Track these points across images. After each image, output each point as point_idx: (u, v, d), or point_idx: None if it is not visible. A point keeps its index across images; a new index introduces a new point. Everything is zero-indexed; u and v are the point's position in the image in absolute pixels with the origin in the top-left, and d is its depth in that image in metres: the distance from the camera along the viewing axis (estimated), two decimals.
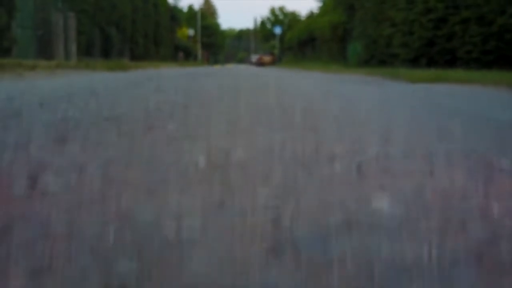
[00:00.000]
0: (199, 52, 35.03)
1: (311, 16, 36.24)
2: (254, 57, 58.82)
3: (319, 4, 35.42)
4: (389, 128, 1.45)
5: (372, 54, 11.53)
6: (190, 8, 44.96)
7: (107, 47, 16.50)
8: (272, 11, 38.00)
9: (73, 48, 12.75)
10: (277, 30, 31.51)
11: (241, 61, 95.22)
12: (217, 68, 27.01)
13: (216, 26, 53.31)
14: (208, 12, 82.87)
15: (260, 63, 37.54)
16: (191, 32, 33.74)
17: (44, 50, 11.15)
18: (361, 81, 5.20)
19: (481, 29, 6.64)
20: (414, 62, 9.09)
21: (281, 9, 37.67)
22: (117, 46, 17.49)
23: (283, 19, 37.14)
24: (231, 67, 33.80)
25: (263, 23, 41.56)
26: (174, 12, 29.11)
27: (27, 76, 3.87)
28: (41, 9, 10.89)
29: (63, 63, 6.88)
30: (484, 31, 6.57)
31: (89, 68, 7.14)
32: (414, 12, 8.81)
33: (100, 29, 15.42)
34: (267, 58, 38.48)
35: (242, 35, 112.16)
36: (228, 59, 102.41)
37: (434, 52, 8.33)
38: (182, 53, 31.35)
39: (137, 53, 20.36)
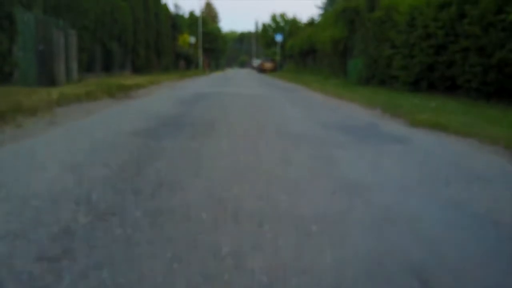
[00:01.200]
0: (200, 60, 35.13)
1: (311, 23, 36.33)
2: (256, 62, 59.42)
3: (320, 12, 35.61)
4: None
5: (373, 73, 11.56)
6: (192, 14, 45.05)
7: (108, 61, 16.58)
8: (274, 18, 38.10)
9: (74, 65, 12.84)
10: (278, 38, 31.85)
11: (243, 64, 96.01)
12: (217, 75, 27.09)
13: (218, 31, 53.37)
14: (210, 15, 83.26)
15: (261, 70, 37.92)
16: (192, 39, 33.86)
17: (45, 70, 11.22)
18: (357, 119, 5.25)
19: (481, 59, 6.66)
20: (414, 84, 9.13)
21: (282, 15, 37.80)
22: (118, 59, 17.56)
23: (284, 25, 37.28)
24: (232, 74, 33.94)
25: (264, 29, 41.67)
26: (176, 20, 29.20)
27: (25, 127, 3.93)
28: (42, 30, 10.96)
29: (64, 93, 6.92)
30: (484, 62, 6.60)
31: (91, 98, 7.20)
32: (414, 36, 8.84)
33: (101, 44, 15.50)
34: (268, 65, 39.07)
35: (243, 37, 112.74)
36: (229, 62, 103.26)
37: (434, 77, 8.36)
38: (183, 61, 31.46)
39: (138, 65, 20.45)
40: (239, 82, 14.86)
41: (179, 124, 4.24)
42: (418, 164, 2.74)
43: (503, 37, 6.08)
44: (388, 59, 10.29)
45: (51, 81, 11.61)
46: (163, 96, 8.65)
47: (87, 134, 3.64)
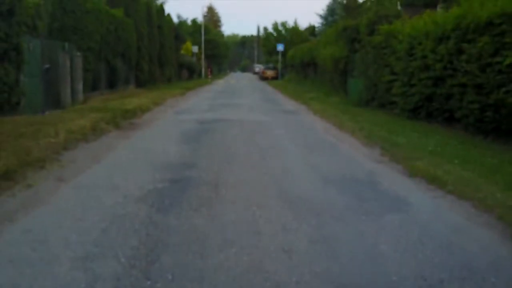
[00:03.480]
0: (203, 70, 35.39)
1: (312, 31, 36.57)
2: (257, 68, 59.99)
3: (320, 21, 35.89)
4: None
5: (373, 96, 11.69)
6: (194, 21, 45.33)
7: (113, 77, 16.78)
8: (275, 27, 38.38)
9: (80, 87, 13.04)
10: (280, 48, 32.23)
11: (244, 69, 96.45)
12: (219, 86, 27.19)
13: (220, 37, 53.68)
14: (212, 20, 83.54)
15: (264, 77, 38.31)
16: (195, 49, 34.12)
17: (51, 93, 11.42)
18: (357, 167, 5.38)
19: (478, 97, 6.78)
20: (414, 111, 9.25)
21: (284, 24, 38.07)
22: (122, 75, 17.77)
23: (285, 34, 37.57)
24: (234, 82, 34.07)
25: (266, 37, 41.97)
26: (178, 31, 29.42)
27: (35, 187, 4.09)
28: (48, 54, 11.15)
29: (70, 129, 7.10)
30: (481, 99, 6.72)
31: (96, 132, 7.37)
32: (413, 65, 8.96)
33: (105, 62, 15.70)
34: (270, 73, 39.74)
35: (245, 41, 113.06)
36: (232, 66, 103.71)
37: (433, 108, 8.48)
38: (186, 71, 31.67)
39: (142, 79, 20.65)
40: (241, 101, 14.99)
41: (183, 180, 4.39)
42: (413, 247, 2.87)
43: (500, 79, 6.20)
44: (388, 84, 10.42)
45: (57, 104, 11.83)
46: (167, 127, 8.78)
47: (94, 198, 3.79)
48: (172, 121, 9.71)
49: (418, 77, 8.74)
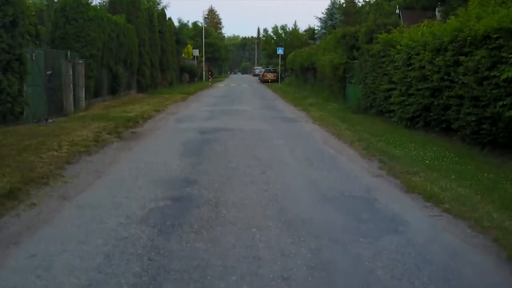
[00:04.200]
0: (204, 73, 35.55)
1: (312, 35, 36.69)
2: (257, 70, 60.36)
3: (319, 24, 36.02)
4: None
5: (371, 103, 11.76)
6: (195, 25, 45.48)
7: (114, 83, 16.87)
8: (275, 30, 38.58)
9: (82, 94, 13.15)
10: (280, 51, 32.48)
11: (245, 70, 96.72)
12: (220, 89, 27.24)
13: (221, 40, 53.84)
14: (213, 22, 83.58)
15: (264, 80, 38.58)
16: (196, 52, 34.28)
17: (54, 101, 11.54)
18: (355, 182, 5.45)
19: (475, 109, 6.85)
20: (412, 121, 9.32)
21: (284, 27, 38.27)
22: (124, 81, 17.85)
23: (285, 37, 37.78)
24: (235, 85, 34.15)
25: (267, 41, 42.18)
26: (179, 35, 29.53)
27: (39, 206, 4.16)
28: (51, 63, 11.26)
29: (74, 141, 7.20)
30: (478, 112, 6.79)
31: (99, 143, 7.46)
32: (411, 75, 9.03)
33: (107, 69, 15.80)
34: (270, 75, 40.27)
35: (246, 42, 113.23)
36: (232, 68, 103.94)
37: (431, 118, 8.55)
38: (187, 75, 31.78)
39: (144, 84, 20.74)
40: (242, 108, 15.07)
41: (184, 199, 4.47)
42: (410, 273, 2.94)
43: (497, 93, 6.26)
44: (386, 93, 10.48)
45: (60, 111, 11.93)
46: (168, 137, 8.84)
47: (98, 219, 3.87)
48: (173, 131, 9.79)
49: (416, 87, 8.81)
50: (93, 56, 13.79)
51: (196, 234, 3.49)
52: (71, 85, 12.38)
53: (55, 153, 6.31)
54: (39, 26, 13.23)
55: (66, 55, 12.12)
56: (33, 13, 11.93)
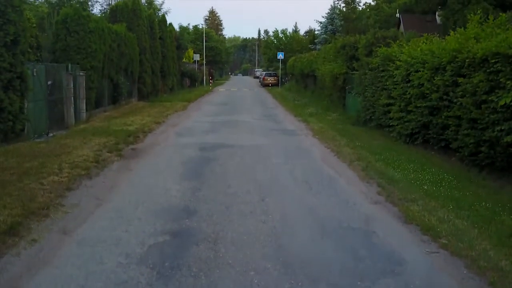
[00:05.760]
0: (205, 78, 35.63)
1: (312, 40, 36.70)
2: (258, 72, 60.55)
3: (319, 28, 36.04)
4: None
5: (371, 116, 11.78)
6: (196, 28, 45.54)
7: (116, 93, 16.93)
8: (276, 34, 38.68)
9: (83, 106, 13.21)
10: (280, 56, 32.63)
11: (245, 72, 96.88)
12: (221, 94, 27.29)
13: (221, 43, 53.88)
14: (214, 24, 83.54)
15: (264, 84, 38.73)
16: (196, 57, 34.34)
17: (55, 114, 11.61)
18: (354, 210, 5.48)
19: (474, 131, 6.88)
20: (411, 137, 9.35)
21: (284, 31, 38.39)
22: (125, 90, 17.89)
23: (285, 40, 37.90)
24: (235, 90, 34.21)
25: (267, 45, 42.30)
26: (181, 41, 29.56)
27: (39, 242, 4.20)
28: (52, 79, 11.32)
29: (74, 162, 7.27)
30: (476, 134, 6.81)
31: (99, 164, 7.51)
32: (410, 92, 9.05)
33: (108, 79, 15.86)
34: (271, 79, 40.57)
35: (246, 43, 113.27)
36: (233, 69, 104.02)
37: (429, 135, 8.57)
38: (188, 79, 31.84)
39: (145, 92, 20.78)
40: (242, 118, 15.11)
41: (183, 234, 4.52)
42: None
43: (495, 118, 6.29)
44: (386, 107, 10.51)
45: (61, 124, 12.00)
46: (168, 155, 8.87)
47: (97, 258, 3.91)
48: (174, 146, 9.82)
49: (415, 104, 8.84)
50: (94, 68, 13.84)
51: (194, 278, 3.53)
52: (72, 97, 12.44)
53: (56, 178, 6.36)
54: (41, 33, 13.30)
55: (67, 68, 12.18)
56: (34, 25, 11.98)
